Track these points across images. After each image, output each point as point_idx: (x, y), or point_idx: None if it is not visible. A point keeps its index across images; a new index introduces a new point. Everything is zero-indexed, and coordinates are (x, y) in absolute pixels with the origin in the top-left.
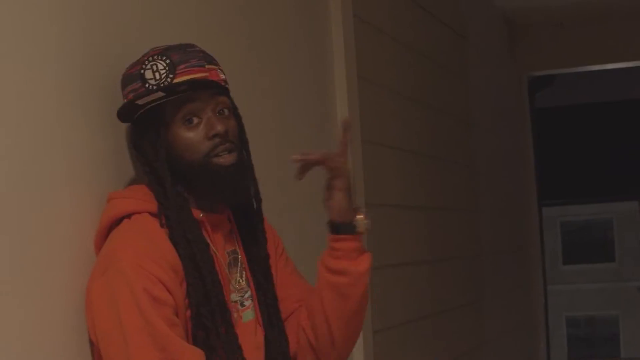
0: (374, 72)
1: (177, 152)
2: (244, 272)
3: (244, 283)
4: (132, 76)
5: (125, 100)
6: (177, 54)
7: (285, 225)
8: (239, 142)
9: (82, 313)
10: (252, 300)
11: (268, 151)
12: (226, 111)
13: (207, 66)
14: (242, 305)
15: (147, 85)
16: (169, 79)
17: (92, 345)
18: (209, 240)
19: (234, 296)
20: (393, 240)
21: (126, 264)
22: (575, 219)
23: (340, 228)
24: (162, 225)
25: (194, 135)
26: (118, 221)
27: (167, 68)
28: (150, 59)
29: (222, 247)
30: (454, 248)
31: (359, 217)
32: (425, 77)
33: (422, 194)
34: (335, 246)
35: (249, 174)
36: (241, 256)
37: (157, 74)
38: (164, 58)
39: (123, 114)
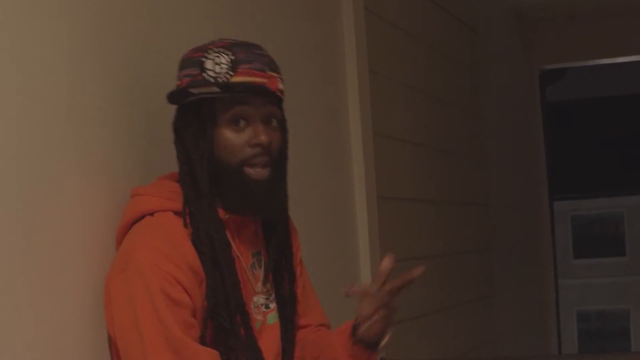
0: (385, 66)
1: (217, 150)
2: (269, 275)
3: (269, 285)
4: (192, 61)
5: (179, 83)
6: (243, 52)
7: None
8: (278, 156)
9: (97, 307)
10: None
11: None
12: (275, 122)
13: (268, 72)
14: (267, 307)
15: (204, 74)
16: (227, 76)
17: (110, 338)
18: (232, 241)
19: (259, 298)
20: (403, 234)
21: (145, 264)
22: (586, 213)
23: (364, 342)
24: (185, 225)
25: (237, 139)
26: (140, 217)
27: (229, 64)
28: (215, 49)
29: (246, 249)
30: (464, 242)
31: (385, 340)
32: (437, 71)
33: (433, 188)
34: (353, 349)
35: (280, 190)
36: (265, 258)
37: (217, 67)
38: (229, 53)
39: (174, 96)
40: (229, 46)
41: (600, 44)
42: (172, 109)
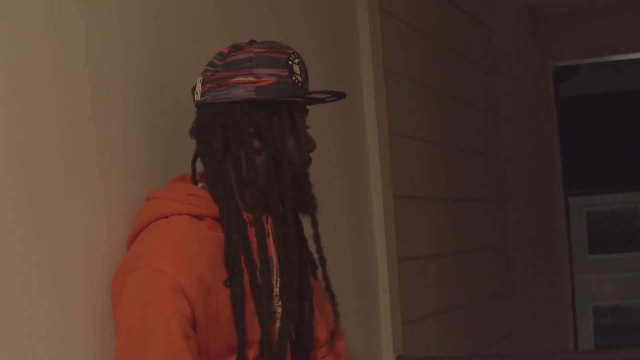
0: (400, 65)
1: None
2: (278, 279)
3: (277, 290)
4: (278, 61)
5: (264, 80)
6: (302, 64)
7: None
8: None
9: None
10: None
11: None
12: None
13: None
14: (275, 313)
15: (293, 78)
16: (306, 84)
17: None
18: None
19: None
20: (421, 232)
21: (156, 268)
22: (600, 208)
23: None
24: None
25: (295, 145)
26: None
27: (304, 74)
28: (295, 55)
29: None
30: (481, 239)
31: None
32: (452, 69)
33: (449, 186)
34: None
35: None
36: (275, 264)
37: (302, 74)
38: (303, 62)
39: (264, 91)
40: (297, 55)
41: (613, 40)
42: (192, 111)
